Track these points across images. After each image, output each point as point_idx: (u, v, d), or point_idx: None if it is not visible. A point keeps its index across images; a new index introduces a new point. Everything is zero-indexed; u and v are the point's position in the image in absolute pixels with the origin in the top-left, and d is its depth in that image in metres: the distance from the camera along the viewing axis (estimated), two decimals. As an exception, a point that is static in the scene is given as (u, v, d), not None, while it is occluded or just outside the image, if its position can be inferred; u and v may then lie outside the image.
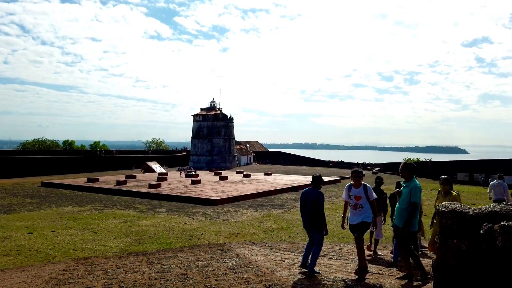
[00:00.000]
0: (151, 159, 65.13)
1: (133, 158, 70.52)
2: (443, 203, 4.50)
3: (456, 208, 4.16)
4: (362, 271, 6.16)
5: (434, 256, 4.51)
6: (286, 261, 7.45)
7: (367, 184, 6.69)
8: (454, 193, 7.42)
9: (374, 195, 6.69)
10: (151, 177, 41.29)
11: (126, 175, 42.66)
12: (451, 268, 4.06)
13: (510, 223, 3.55)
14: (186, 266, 6.97)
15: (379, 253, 9.06)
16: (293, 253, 8.47)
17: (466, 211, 4.05)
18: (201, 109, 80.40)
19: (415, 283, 5.97)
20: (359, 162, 76.16)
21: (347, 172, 51.46)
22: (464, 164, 49.19)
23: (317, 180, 6.84)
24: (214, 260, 7.46)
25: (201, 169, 63.98)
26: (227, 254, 8.08)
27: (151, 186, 31.88)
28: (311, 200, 6.66)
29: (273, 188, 31.83)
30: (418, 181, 6.50)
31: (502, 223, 3.61)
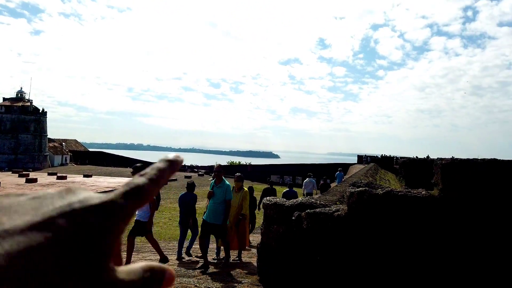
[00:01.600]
0: None
1: None
2: (267, 197, 5.63)
3: (276, 201, 5.32)
4: (164, 262, 6.85)
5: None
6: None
7: None
8: (245, 189, 8.31)
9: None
10: None
11: None
12: (272, 247, 5.17)
13: (312, 210, 4.84)
14: None
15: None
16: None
17: (283, 203, 5.24)
18: (4, 99, 67.77)
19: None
20: (186, 164, 78.05)
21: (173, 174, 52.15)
22: (277, 167, 56.89)
23: (192, 186, 8.70)
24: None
25: (0, 170, 53.83)
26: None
27: None
28: (188, 201, 8.49)
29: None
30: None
31: (307, 211, 4.89)
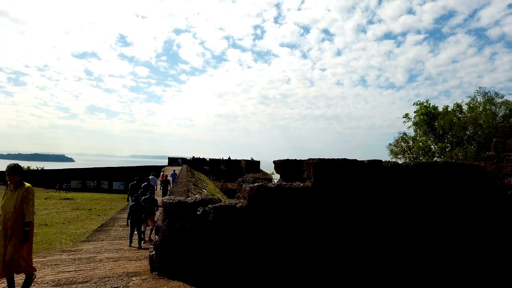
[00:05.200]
0: None
1: None
2: (166, 197, 6.04)
3: (179, 199, 5.84)
4: None
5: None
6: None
7: None
8: (28, 184, 5.65)
9: None
10: None
11: None
12: (176, 241, 5.66)
13: (215, 205, 5.65)
14: None
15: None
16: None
17: (186, 201, 5.82)
18: None
19: None
20: None
21: None
22: (76, 172, 51.69)
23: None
24: None
25: None
26: None
27: None
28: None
29: None
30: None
31: (210, 206, 5.66)
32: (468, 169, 6.15)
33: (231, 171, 45.26)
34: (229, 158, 52.59)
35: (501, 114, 29.75)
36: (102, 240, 12.92)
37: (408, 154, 31.88)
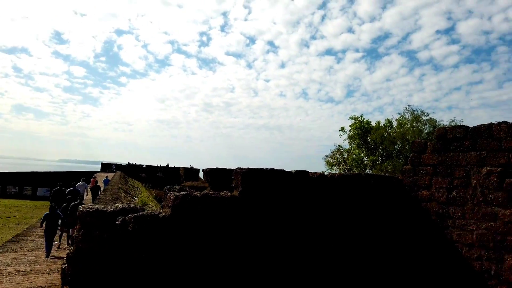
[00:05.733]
0: None
1: None
2: (82, 205, 5.59)
3: (98, 208, 5.43)
4: None
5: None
6: None
7: None
8: None
9: None
10: None
11: None
12: (93, 252, 5.25)
13: (136, 214, 5.34)
14: None
15: None
16: None
17: (105, 209, 5.43)
18: None
19: None
20: None
21: None
22: (-5, 176, 46.93)
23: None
24: None
25: None
26: None
27: None
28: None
29: None
30: None
31: (131, 215, 5.34)
32: (388, 181, 6.48)
33: (168, 178, 43.98)
34: (167, 165, 51.15)
35: (426, 131, 32.28)
36: (16, 252, 11.73)
37: (343, 165, 33.39)
